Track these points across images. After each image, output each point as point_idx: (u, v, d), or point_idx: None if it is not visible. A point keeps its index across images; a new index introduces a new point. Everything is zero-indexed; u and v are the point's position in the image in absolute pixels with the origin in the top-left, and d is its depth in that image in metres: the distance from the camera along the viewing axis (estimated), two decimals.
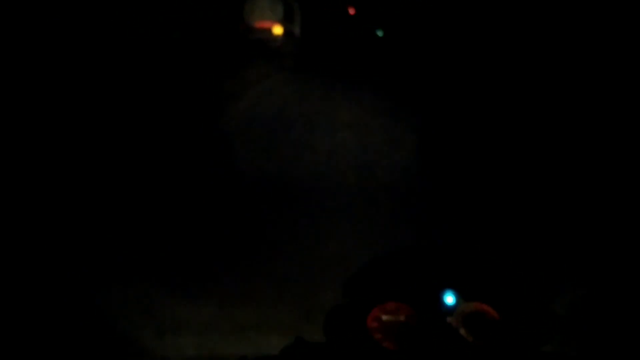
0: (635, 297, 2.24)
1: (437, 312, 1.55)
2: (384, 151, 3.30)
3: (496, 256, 1.59)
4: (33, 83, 3.82)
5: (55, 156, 3.48)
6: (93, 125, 3.67)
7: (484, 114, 3.08)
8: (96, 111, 3.74)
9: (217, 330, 2.68)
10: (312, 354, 1.51)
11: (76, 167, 3.41)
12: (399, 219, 2.90)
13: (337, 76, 3.71)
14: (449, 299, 1.57)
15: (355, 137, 3.30)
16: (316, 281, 2.73)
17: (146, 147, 3.44)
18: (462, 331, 1.52)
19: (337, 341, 1.57)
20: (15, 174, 3.30)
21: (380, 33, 5.49)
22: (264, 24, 8.08)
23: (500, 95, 3.08)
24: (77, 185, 3.32)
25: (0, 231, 2.96)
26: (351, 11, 5.43)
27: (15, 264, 2.86)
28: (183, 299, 2.79)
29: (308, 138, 3.27)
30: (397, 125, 3.26)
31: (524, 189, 2.95)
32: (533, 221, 2.78)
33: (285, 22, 9.70)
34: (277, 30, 6.88)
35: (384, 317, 1.56)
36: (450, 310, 1.56)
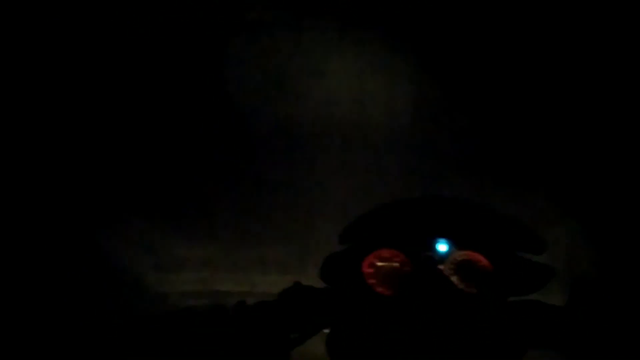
0: (628, 248, 2.28)
1: (430, 260, 1.59)
2: (382, 98, 3.27)
3: (490, 207, 1.61)
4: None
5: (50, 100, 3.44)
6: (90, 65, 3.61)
7: (486, 64, 3.03)
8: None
9: (216, 268, 2.74)
10: (310, 298, 1.56)
11: (72, 106, 3.38)
12: (395, 166, 2.92)
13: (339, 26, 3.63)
14: (442, 246, 1.61)
15: (355, 84, 3.27)
16: (314, 223, 2.77)
17: (145, 88, 3.40)
18: (454, 279, 1.56)
19: (333, 285, 1.62)
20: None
21: None
22: None
23: (504, 50, 3.03)
24: (73, 122, 3.30)
25: None
26: None
27: (11, 200, 2.88)
28: (182, 238, 2.83)
29: (306, 85, 3.24)
30: (397, 72, 3.22)
31: (520, 135, 2.95)
32: (527, 167, 2.79)
33: None
34: None
35: (379, 264, 1.60)
36: (443, 258, 1.59)
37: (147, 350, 1.91)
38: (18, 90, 3.14)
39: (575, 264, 2.38)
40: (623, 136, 2.79)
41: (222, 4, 3.69)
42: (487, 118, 3.00)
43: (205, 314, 1.68)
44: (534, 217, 2.20)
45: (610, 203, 2.59)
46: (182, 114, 3.39)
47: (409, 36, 3.41)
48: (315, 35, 3.46)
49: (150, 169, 3.09)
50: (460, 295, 1.53)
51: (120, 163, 3.15)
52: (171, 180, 3.03)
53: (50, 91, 3.18)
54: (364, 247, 1.62)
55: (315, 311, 1.55)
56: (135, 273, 2.78)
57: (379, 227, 1.66)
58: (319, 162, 3.05)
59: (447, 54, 3.29)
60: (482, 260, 1.58)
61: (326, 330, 1.54)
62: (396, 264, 1.60)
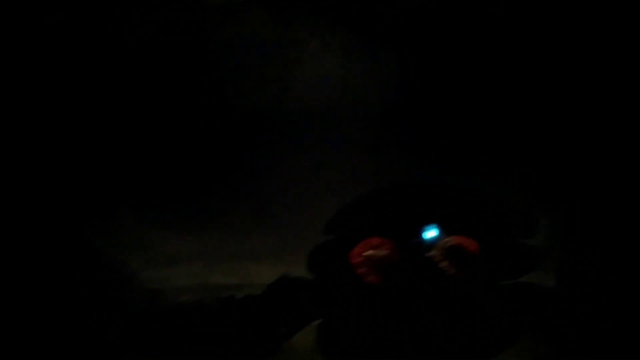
0: (613, 234, 2.27)
1: (419, 246, 1.58)
2: (371, 82, 3.24)
3: (477, 191, 1.59)
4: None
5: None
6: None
7: (476, 48, 3.01)
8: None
9: (208, 261, 2.72)
10: (299, 290, 1.56)
11: (67, 101, 3.35)
12: (383, 152, 2.89)
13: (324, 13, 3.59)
14: (431, 233, 1.60)
15: (342, 68, 3.24)
16: (304, 213, 2.75)
17: (135, 82, 3.37)
18: (443, 264, 1.56)
19: (322, 277, 1.61)
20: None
21: None
22: None
23: (497, 39, 3.00)
24: (63, 118, 3.26)
25: None
26: None
27: (4, 197, 2.86)
28: (174, 231, 2.81)
29: (294, 70, 3.21)
30: (385, 56, 3.19)
31: (509, 124, 2.93)
32: (515, 154, 2.77)
33: None
34: None
35: (367, 252, 1.59)
36: (433, 243, 1.59)
37: (143, 348, 1.91)
38: (12, 89, 3.12)
39: (566, 246, 2.37)
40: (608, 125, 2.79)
41: None
42: (465, 113, 2.99)
43: (199, 310, 1.67)
44: (524, 202, 2.19)
45: (599, 193, 2.58)
46: (171, 111, 3.37)
47: (390, 35, 3.39)
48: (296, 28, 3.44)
49: (139, 164, 3.07)
50: (451, 280, 1.52)
51: (110, 159, 3.12)
52: (161, 175, 3.00)
53: (38, 92, 3.15)
54: (352, 236, 1.61)
55: (305, 303, 1.54)
56: (129, 269, 2.76)
57: (367, 215, 1.65)
58: (308, 153, 3.03)
59: (426, 53, 3.27)
60: (472, 244, 1.58)
61: (316, 322, 1.54)
62: (385, 252, 1.59)
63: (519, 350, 1.57)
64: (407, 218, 1.61)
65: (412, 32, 3.34)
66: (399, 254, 1.55)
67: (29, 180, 2.97)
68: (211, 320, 1.60)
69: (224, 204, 2.94)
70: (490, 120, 2.99)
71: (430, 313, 1.43)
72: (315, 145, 3.12)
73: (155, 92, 3.40)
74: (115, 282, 2.67)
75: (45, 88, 3.19)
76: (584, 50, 2.98)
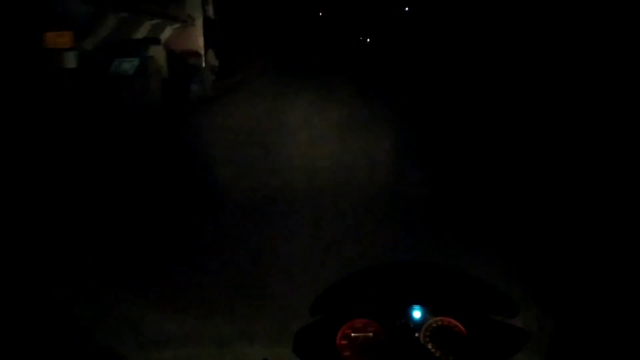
0: (597, 311, 2.26)
1: (405, 328, 1.56)
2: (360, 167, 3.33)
3: (463, 272, 1.59)
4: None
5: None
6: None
7: (467, 126, 3.11)
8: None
9: (199, 342, 2.69)
10: None
11: (52, 174, 3.40)
12: (368, 233, 2.90)
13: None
14: (417, 313, 1.58)
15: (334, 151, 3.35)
16: (294, 293, 2.74)
17: (124, 160, 3.44)
18: (430, 346, 1.53)
19: None
20: None
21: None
22: None
23: (490, 106, 3.11)
24: (56, 195, 3.31)
25: None
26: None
27: None
28: (164, 312, 2.79)
29: (285, 145, 3.30)
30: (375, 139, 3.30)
31: (493, 205, 2.98)
32: (501, 235, 2.78)
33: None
34: None
35: (353, 335, 1.57)
36: (418, 325, 1.56)
37: None
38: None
39: (552, 327, 2.34)
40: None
41: None
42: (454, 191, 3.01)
43: None
44: (509, 282, 2.18)
45: (584, 277, 2.58)
46: (157, 194, 3.42)
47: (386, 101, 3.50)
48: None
49: (130, 244, 3.09)
50: None
51: (100, 239, 3.15)
52: (153, 258, 3.02)
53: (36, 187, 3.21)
54: (337, 318, 1.59)
55: None
56: (119, 353, 2.72)
57: (351, 297, 1.63)
58: (299, 232, 3.05)
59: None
60: (457, 325, 1.56)
61: None
62: (370, 334, 1.56)
63: None
64: (392, 299, 1.59)
65: (407, 107, 3.44)
66: (384, 336, 1.52)
67: (21, 266, 2.99)
68: None
69: (215, 285, 2.94)
70: (475, 204, 3.02)
71: None
72: (306, 226, 3.15)
73: (151, 170, 3.47)
74: None
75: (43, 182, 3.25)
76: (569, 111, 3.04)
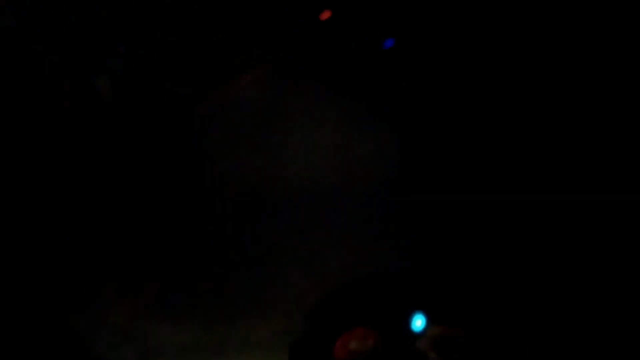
0: (598, 318, 2.22)
1: (406, 337, 1.52)
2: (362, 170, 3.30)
3: (464, 279, 1.55)
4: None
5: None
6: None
7: (466, 133, 3.07)
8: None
9: (200, 351, 2.66)
10: None
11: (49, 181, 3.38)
12: (369, 240, 2.88)
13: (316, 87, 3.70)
14: (418, 322, 1.54)
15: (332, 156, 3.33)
16: (297, 300, 2.70)
17: (125, 164, 3.43)
18: (431, 355, 1.49)
19: None
20: None
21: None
22: None
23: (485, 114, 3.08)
24: (52, 202, 3.29)
25: None
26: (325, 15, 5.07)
27: None
28: (161, 324, 2.76)
29: (285, 151, 3.27)
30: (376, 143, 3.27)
31: (492, 213, 2.94)
32: (502, 243, 2.75)
33: None
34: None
35: (352, 344, 1.53)
36: (419, 334, 1.53)
37: None
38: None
39: (550, 333, 2.30)
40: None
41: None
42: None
43: None
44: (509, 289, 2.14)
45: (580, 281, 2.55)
46: (156, 202, 3.40)
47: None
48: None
49: (128, 252, 3.06)
50: None
51: (98, 246, 3.12)
52: (149, 266, 2.99)
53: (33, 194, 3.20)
54: (335, 327, 1.55)
55: None
56: None
57: (349, 304, 1.60)
58: (298, 241, 3.03)
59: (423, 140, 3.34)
60: (458, 333, 1.52)
61: None
62: (370, 344, 1.53)
63: None
64: (392, 308, 1.55)
65: (407, 110, 3.41)
66: (384, 345, 1.48)
67: (19, 274, 2.96)
68: None
69: (215, 292, 2.90)
70: (475, 211, 2.98)
71: None
72: (309, 229, 3.11)
73: (148, 172, 3.45)
74: None
75: (38, 181, 3.24)
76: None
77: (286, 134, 3.48)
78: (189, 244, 3.13)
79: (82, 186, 3.25)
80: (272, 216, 3.17)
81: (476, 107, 3.11)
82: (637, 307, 1.89)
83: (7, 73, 3.48)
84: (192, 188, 3.33)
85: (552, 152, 2.92)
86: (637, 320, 1.81)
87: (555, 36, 3.06)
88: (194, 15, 3.83)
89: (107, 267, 2.97)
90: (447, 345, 1.51)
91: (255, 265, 3.06)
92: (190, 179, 3.34)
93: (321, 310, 1.57)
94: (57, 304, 2.81)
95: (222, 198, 3.42)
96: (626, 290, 2.02)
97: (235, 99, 3.72)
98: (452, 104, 3.14)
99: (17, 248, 3.03)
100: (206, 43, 3.80)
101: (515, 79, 3.15)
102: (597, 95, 2.93)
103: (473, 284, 1.56)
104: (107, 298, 2.86)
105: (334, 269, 2.79)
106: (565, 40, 3.04)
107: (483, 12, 3.20)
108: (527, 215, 2.74)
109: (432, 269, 1.64)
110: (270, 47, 3.71)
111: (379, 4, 3.45)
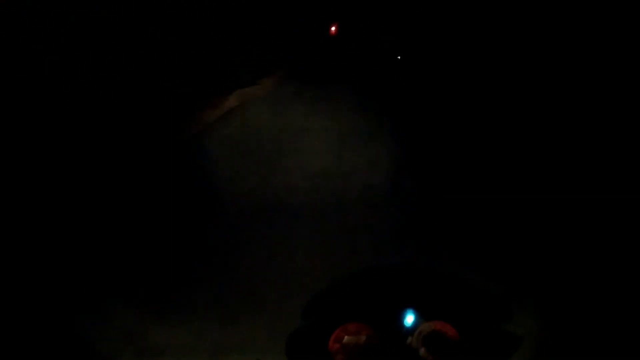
0: (591, 316, 2.24)
1: (398, 332, 1.56)
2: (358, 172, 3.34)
3: (455, 275, 1.60)
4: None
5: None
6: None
7: (462, 139, 3.13)
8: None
9: (196, 353, 2.68)
10: None
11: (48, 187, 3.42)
12: (361, 237, 2.91)
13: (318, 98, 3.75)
14: (409, 318, 1.58)
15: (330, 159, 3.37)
16: (292, 301, 2.73)
17: (122, 168, 3.47)
18: (422, 351, 1.53)
19: None
20: None
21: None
22: None
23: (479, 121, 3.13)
24: (53, 205, 3.32)
25: None
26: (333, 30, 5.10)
27: None
28: (161, 323, 2.78)
29: (282, 158, 3.33)
30: (373, 147, 3.32)
31: (485, 208, 2.98)
32: (494, 240, 2.77)
33: None
34: None
35: (346, 339, 1.57)
36: (411, 330, 1.57)
37: None
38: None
39: (543, 332, 2.31)
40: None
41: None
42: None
43: None
44: (501, 288, 2.16)
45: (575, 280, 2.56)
46: (159, 207, 3.44)
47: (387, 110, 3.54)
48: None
49: (127, 255, 3.09)
50: None
51: (97, 250, 3.15)
52: (150, 267, 3.02)
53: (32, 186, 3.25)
54: (329, 322, 1.59)
55: None
56: None
57: (343, 300, 1.64)
58: (293, 240, 3.06)
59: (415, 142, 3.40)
60: (450, 330, 1.56)
61: None
62: (363, 338, 1.57)
63: None
64: (385, 303, 1.60)
65: (404, 120, 3.47)
66: (377, 340, 1.53)
67: (21, 275, 3.00)
68: None
69: (212, 295, 2.93)
70: (467, 210, 3.02)
71: None
72: (302, 233, 3.15)
73: (146, 187, 3.49)
74: None
75: (40, 178, 3.29)
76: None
77: (288, 148, 3.54)
78: (188, 249, 3.17)
79: (86, 191, 3.29)
80: (268, 224, 3.22)
81: (473, 117, 3.16)
82: (637, 307, 1.90)
83: (7, 73, 3.55)
84: (191, 197, 3.38)
85: (552, 155, 2.95)
86: (637, 321, 1.83)
87: (556, 43, 3.12)
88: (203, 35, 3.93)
89: (111, 270, 3.01)
90: (437, 341, 1.55)
91: (255, 267, 3.10)
92: (188, 189, 3.40)
93: (316, 306, 1.61)
94: (61, 305, 2.84)
95: (221, 206, 3.47)
96: (626, 290, 2.04)
97: (237, 115, 3.79)
98: (449, 116, 3.20)
99: (21, 251, 3.08)
100: (214, 63, 3.89)
101: (515, 91, 3.21)
102: (599, 101, 2.97)
103: (463, 282, 1.60)
104: (110, 300, 2.89)
105: (328, 269, 2.83)
106: (566, 46, 3.09)
107: (484, 27, 3.28)
108: (517, 214, 2.77)
109: (423, 267, 1.69)
110: (277, 61, 3.79)
111: (383, 19, 3.53)
